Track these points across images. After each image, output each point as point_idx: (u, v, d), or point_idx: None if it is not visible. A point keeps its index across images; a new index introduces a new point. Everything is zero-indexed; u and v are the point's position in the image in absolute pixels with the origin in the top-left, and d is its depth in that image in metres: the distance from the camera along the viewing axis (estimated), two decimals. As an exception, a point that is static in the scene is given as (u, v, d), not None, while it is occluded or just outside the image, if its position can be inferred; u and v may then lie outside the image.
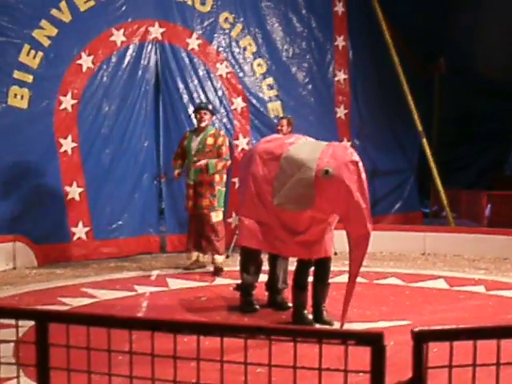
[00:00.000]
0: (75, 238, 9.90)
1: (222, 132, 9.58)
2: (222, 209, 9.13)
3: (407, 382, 2.21)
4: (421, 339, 2.18)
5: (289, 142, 6.65)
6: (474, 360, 2.27)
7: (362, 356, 2.42)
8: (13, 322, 2.88)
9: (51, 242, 9.69)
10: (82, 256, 9.86)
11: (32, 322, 2.71)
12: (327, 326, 6.18)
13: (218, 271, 8.94)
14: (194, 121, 9.44)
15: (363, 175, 6.10)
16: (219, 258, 8.99)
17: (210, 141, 9.02)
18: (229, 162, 9.11)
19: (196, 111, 9.26)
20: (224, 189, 9.20)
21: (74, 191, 9.87)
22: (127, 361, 2.69)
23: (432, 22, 13.54)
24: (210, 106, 9.48)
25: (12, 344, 4.63)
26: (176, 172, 9.21)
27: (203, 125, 9.07)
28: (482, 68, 14.46)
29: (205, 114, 9.07)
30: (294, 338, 2.33)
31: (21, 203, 9.44)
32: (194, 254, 9.17)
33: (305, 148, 6.43)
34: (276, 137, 7.20)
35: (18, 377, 2.87)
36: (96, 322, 2.64)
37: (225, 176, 9.21)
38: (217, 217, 9.00)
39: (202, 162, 8.88)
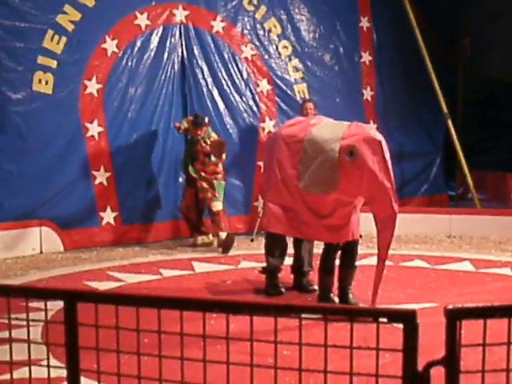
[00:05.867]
0: (104, 222, 9.91)
1: (211, 140, 9.54)
2: (221, 199, 9.71)
3: (440, 360, 2.18)
4: (455, 317, 2.15)
5: (311, 123, 6.60)
6: (508, 338, 2.23)
7: (386, 338, 2.42)
8: (39, 305, 2.88)
9: (78, 226, 9.71)
10: (111, 241, 9.87)
11: (58, 307, 2.71)
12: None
13: (225, 245, 9.34)
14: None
15: (387, 155, 6.03)
16: (223, 234, 9.50)
17: (198, 146, 9.62)
18: (218, 164, 9.64)
19: (195, 125, 9.67)
20: (223, 182, 9.80)
21: (101, 176, 9.86)
22: (155, 342, 2.68)
23: (457, 3, 13.37)
24: (206, 119, 9.81)
25: (39, 328, 4.67)
26: (179, 124, 10.00)
27: (199, 137, 9.62)
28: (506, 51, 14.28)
29: (201, 129, 9.59)
30: (325, 316, 2.31)
31: (48, 188, 9.45)
32: (200, 238, 9.94)
33: (327, 129, 6.36)
34: (299, 119, 7.12)
35: (48, 358, 2.87)
36: (124, 301, 2.63)
37: (220, 170, 9.72)
38: (218, 206, 9.63)
39: (208, 147, 9.50)
